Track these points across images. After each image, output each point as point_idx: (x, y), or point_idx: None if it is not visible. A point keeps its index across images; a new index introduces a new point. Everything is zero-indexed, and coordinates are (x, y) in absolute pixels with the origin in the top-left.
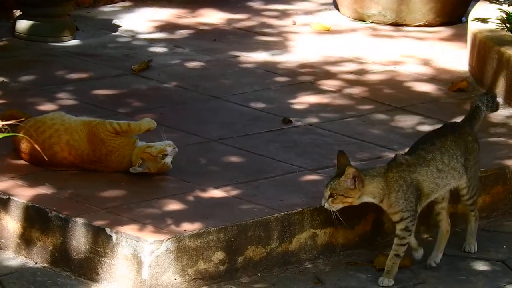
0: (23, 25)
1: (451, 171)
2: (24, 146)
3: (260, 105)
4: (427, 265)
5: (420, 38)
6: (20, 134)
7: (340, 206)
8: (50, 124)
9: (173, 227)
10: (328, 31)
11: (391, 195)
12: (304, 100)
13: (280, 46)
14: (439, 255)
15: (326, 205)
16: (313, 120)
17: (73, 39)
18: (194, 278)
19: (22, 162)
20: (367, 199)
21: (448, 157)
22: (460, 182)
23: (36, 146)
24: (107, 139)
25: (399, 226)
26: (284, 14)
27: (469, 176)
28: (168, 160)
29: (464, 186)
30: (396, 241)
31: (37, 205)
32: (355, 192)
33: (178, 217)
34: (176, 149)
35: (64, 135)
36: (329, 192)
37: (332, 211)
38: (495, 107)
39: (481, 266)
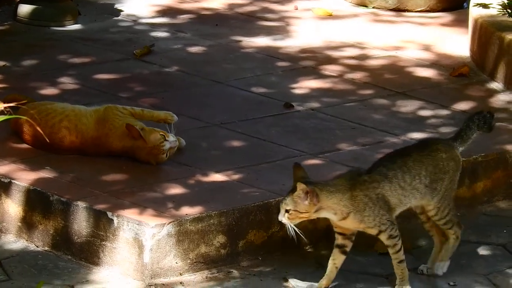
0: (25, 9)
1: (413, 190)
2: (28, 129)
3: (262, 89)
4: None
5: (422, 24)
6: (23, 117)
7: (298, 221)
8: (60, 111)
9: (174, 211)
10: (330, 16)
11: (358, 214)
12: (306, 85)
13: (282, 31)
14: (447, 263)
15: (284, 221)
16: (315, 104)
17: (75, 24)
18: (195, 262)
19: (23, 145)
20: (327, 214)
21: (410, 177)
22: (424, 202)
23: (39, 129)
24: (113, 117)
25: (382, 238)
26: None
27: (440, 196)
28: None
29: (432, 207)
30: (389, 250)
31: (38, 189)
32: (309, 207)
33: (180, 201)
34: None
35: (74, 119)
36: (284, 208)
37: (290, 226)
38: (487, 128)
39: (481, 251)
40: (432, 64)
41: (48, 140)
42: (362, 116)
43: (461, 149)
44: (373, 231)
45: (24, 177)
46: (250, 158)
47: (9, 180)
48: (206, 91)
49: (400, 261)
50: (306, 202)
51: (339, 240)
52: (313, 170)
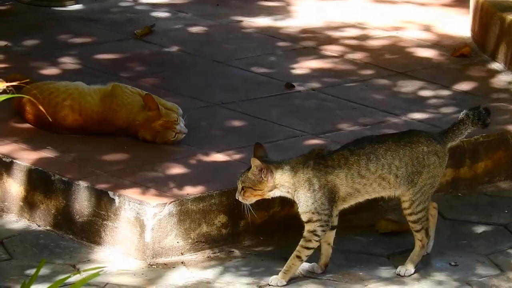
0: None
1: (378, 179)
2: (31, 108)
3: (263, 70)
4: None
5: (423, 4)
6: (26, 96)
7: (253, 199)
8: (64, 89)
9: (175, 190)
10: None
11: (299, 192)
12: (307, 65)
13: (283, 11)
14: (430, 243)
15: (240, 198)
16: (316, 85)
17: (76, 4)
18: (196, 241)
19: (25, 125)
20: (281, 193)
21: (375, 165)
22: (398, 193)
23: (42, 108)
24: (122, 94)
25: (307, 227)
26: None
27: (416, 189)
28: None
29: (407, 199)
30: (301, 242)
31: (40, 168)
32: (263, 185)
33: (181, 181)
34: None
35: (78, 97)
36: (240, 185)
37: (246, 204)
38: (482, 124)
39: (483, 231)
40: (433, 45)
41: (50, 119)
42: (363, 96)
43: (451, 144)
44: (304, 217)
45: (26, 157)
46: (251, 138)
47: (10, 159)
48: (206, 71)
49: (299, 257)
50: (260, 179)
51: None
52: None
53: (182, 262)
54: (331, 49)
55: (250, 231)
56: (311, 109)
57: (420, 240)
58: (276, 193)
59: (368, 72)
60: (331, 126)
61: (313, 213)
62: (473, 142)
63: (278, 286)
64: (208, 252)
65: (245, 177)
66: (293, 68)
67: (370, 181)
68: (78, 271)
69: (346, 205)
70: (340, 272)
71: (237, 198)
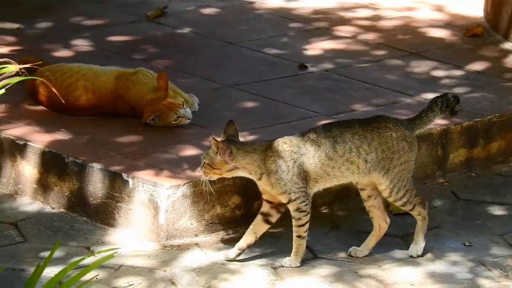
0: None
1: (346, 163)
2: (44, 90)
3: (275, 51)
4: (349, 253)
5: None
6: (39, 78)
7: (212, 176)
8: (77, 70)
9: (189, 172)
10: None
11: (271, 175)
12: (319, 46)
13: None
14: (365, 252)
15: (201, 174)
16: (329, 66)
17: None
18: (210, 223)
19: (38, 107)
20: (243, 174)
21: (343, 148)
22: (372, 179)
23: (55, 90)
24: (140, 75)
25: (290, 208)
26: None
27: (391, 176)
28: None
29: (384, 187)
30: (293, 222)
31: (53, 151)
32: (221, 164)
33: (195, 162)
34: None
35: (92, 77)
36: (202, 161)
37: (204, 180)
38: (450, 111)
39: (496, 211)
40: (445, 25)
41: (63, 102)
42: (376, 77)
43: (419, 130)
44: (282, 198)
45: (39, 139)
46: (264, 119)
47: (24, 142)
48: (219, 53)
49: (299, 236)
50: (218, 158)
51: (265, 207)
52: None
53: (196, 244)
54: (344, 30)
55: None
56: (324, 90)
57: (419, 214)
58: (238, 173)
59: (381, 52)
60: (344, 106)
61: (289, 193)
62: (487, 122)
63: (292, 267)
64: (222, 234)
65: (206, 153)
66: (306, 49)
67: (338, 164)
68: (92, 253)
69: (319, 187)
70: None
71: (198, 172)
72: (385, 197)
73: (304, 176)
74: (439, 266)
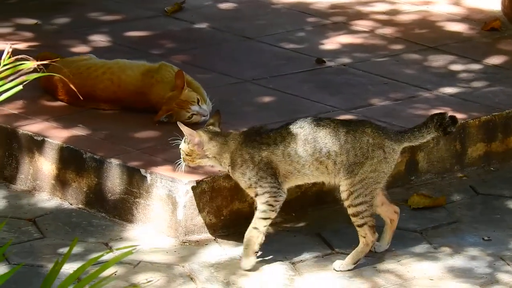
0: None
1: (316, 163)
2: (63, 85)
3: (293, 45)
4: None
5: None
6: (56, 74)
7: (189, 162)
8: (102, 64)
9: (207, 167)
10: None
11: (235, 169)
12: (337, 40)
13: None
14: (384, 246)
15: (181, 161)
16: (346, 60)
17: None
18: (229, 218)
19: (56, 104)
20: (214, 164)
21: (312, 147)
22: (337, 181)
23: (72, 86)
24: (164, 72)
25: (258, 201)
26: None
27: (355, 180)
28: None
29: (345, 189)
30: (256, 213)
31: (71, 146)
32: (191, 151)
33: None
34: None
35: (117, 71)
36: (180, 146)
37: (182, 164)
38: (443, 131)
39: None
40: (463, 19)
41: (81, 98)
42: (394, 71)
43: (408, 144)
44: (250, 192)
45: (57, 135)
46: (282, 114)
47: (42, 138)
48: (237, 47)
49: (257, 229)
50: (189, 145)
51: (256, 202)
52: None
53: (214, 239)
54: (361, 24)
55: (282, 207)
56: (342, 85)
57: (364, 237)
58: (209, 162)
59: (399, 46)
60: (362, 101)
61: (254, 187)
62: (505, 116)
63: (245, 266)
64: (240, 229)
65: (184, 139)
66: (323, 44)
67: (308, 163)
68: (111, 249)
69: (290, 184)
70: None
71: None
72: (342, 199)
73: (273, 172)
74: (458, 261)
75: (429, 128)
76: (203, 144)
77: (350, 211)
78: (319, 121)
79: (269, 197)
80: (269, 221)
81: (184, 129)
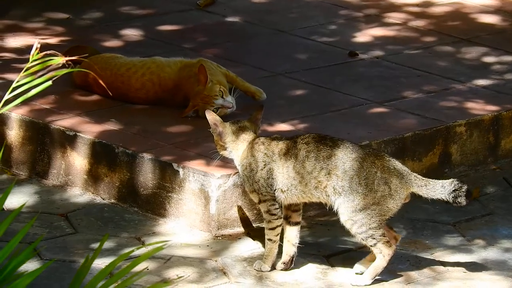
0: None
1: (314, 182)
2: (103, 82)
3: (325, 38)
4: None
5: None
6: (87, 70)
7: (218, 147)
8: (140, 64)
9: None
10: None
11: (241, 171)
12: (369, 33)
13: None
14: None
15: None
16: (379, 52)
17: None
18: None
19: (88, 98)
20: (232, 158)
21: (312, 165)
22: (336, 204)
23: (101, 82)
24: (200, 66)
25: (261, 209)
26: None
27: (356, 209)
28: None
29: (346, 218)
30: (264, 225)
31: (104, 141)
32: (217, 137)
33: None
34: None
35: (156, 70)
36: None
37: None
38: (453, 199)
39: None
40: (496, 10)
41: (111, 94)
42: (427, 64)
43: (415, 191)
44: (253, 197)
45: (89, 130)
46: (315, 107)
47: (74, 133)
48: (269, 41)
49: (270, 240)
50: (214, 133)
51: (283, 211)
52: (379, 119)
53: (247, 233)
54: (394, 17)
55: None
56: (375, 77)
57: (380, 253)
58: (227, 155)
59: (431, 39)
60: (395, 94)
61: (258, 193)
62: None
63: (262, 271)
64: None
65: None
66: (356, 36)
67: (305, 180)
68: (143, 244)
69: (290, 201)
70: (407, 240)
71: None
72: (347, 228)
73: (271, 183)
74: (492, 253)
75: (444, 189)
76: (223, 135)
77: (357, 238)
78: (330, 140)
79: (270, 205)
80: (278, 229)
81: (209, 117)
